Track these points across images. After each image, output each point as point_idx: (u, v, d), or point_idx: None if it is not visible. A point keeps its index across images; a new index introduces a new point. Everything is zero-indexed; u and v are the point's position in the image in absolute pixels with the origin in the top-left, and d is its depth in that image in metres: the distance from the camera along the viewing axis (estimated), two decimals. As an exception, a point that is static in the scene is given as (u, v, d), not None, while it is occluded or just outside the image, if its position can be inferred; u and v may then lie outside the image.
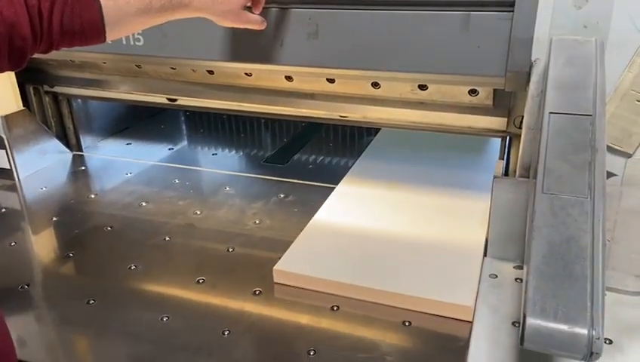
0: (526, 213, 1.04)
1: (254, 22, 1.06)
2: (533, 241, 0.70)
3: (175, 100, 1.61)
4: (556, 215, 0.72)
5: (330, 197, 1.38)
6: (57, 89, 1.69)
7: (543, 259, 0.68)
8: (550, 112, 0.83)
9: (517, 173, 1.12)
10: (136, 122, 2.03)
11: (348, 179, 1.49)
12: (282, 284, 1.08)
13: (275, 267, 1.10)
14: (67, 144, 1.77)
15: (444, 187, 1.42)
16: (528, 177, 1.09)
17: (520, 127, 1.21)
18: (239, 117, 2.03)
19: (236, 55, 1.23)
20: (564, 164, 0.77)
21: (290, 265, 1.10)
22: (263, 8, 1.15)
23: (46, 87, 1.69)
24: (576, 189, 0.74)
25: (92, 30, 0.84)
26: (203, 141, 1.94)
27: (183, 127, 2.07)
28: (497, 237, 1.12)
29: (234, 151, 1.85)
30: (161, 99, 1.61)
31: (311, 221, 1.27)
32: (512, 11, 0.99)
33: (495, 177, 1.10)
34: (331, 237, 1.21)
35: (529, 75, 1.03)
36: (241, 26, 1.05)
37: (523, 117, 1.11)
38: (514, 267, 1.11)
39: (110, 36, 0.87)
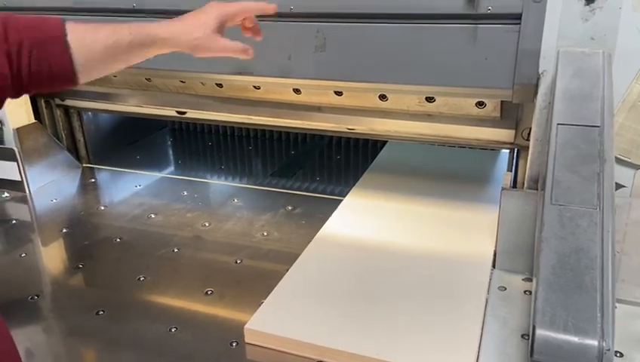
0: (534, 225, 1.04)
1: (232, 49, 0.94)
2: (542, 252, 0.69)
3: (184, 113, 1.63)
4: (565, 226, 0.71)
5: (336, 212, 1.38)
6: (68, 102, 1.71)
7: (552, 270, 0.67)
8: (558, 124, 0.83)
9: (525, 184, 1.11)
10: (146, 135, 2.05)
11: (355, 192, 1.49)
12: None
13: (246, 326, 0.96)
14: (77, 156, 1.79)
15: (452, 199, 1.41)
16: (537, 189, 1.09)
17: (528, 139, 1.21)
18: (247, 129, 2.05)
19: (245, 68, 1.25)
20: (572, 175, 0.77)
21: (264, 324, 0.95)
22: (271, 21, 1.17)
23: (57, 101, 1.72)
24: (585, 200, 0.73)
25: (61, 71, 0.78)
26: (211, 153, 1.96)
27: (191, 140, 2.08)
28: (506, 249, 1.12)
29: (241, 164, 1.86)
30: (170, 112, 1.63)
31: (315, 237, 1.26)
32: (519, 24, 1.00)
33: (503, 189, 1.10)
34: (328, 267, 1.14)
35: (536, 86, 1.04)
36: (219, 54, 0.95)
37: (531, 129, 1.12)
38: (523, 279, 1.10)
39: (82, 77, 0.81)
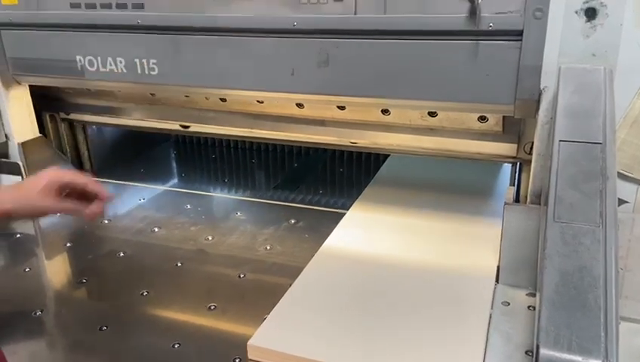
0: (538, 240, 1.04)
1: (68, 210, 1.07)
2: (545, 270, 0.69)
3: (188, 127, 1.64)
4: (568, 243, 0.71)
5: (338, 225, 1.38)
6: (73, 116, 1.73)
7: (555, 288, 0.67)
8: (560, 140, 0.83)
9: (528, 199, 1.12)
10: (150, 147, 2.06)
11: (357, 205, 1.49)
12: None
13: (249, 342, 0.95)
14: (81, 170, 1.80)
15: (454, 212, 1.41)
16: (539, 204, 1.09)
17: (530, 153, 1.21)
18: (250, 142, 2.05)
19: (248, 83, 1.26)
20: (575, 192, 0.77)
21: (267, 340, 0.94)
22: (275, 37, 1.18)
23: (62, 115, 1.73)
24: (587, 218, 0.74)
25: None
26: (214, 166, 1.96)
27: (195, 152, 2.09)
28: (509, 263, 1.12)
29: (245, 176, 1.87)
30: (174, 125, 1.64)
31: (318, 252, 1.26)
32: (521, 40, 1.01)
33: (506, 204, 1.10)
34: (331, 282, 1.13)
35: (538, 102, 1.04)
36: (58, 212, 1.09)
37: (533, 143, 1.12)
38: (526, 294, 1.09)
39: None
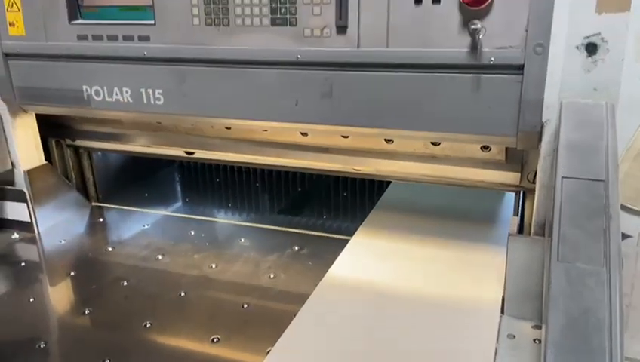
0: (542, 272, 1.03)
1: None
2: (550, 312, 0.69)
3: (192, 153, 1.65)
4: (573, 284, 0.71)
5: (342, 254, 1.38)
6: (79, 142, 1.74)
7: (561, 331, 0.67)
8: (563, 177, 0.83)
9: (532, 230, 1.12)
10: (154, 171, 2.07)
11: (361, 232, 1.49)
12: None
13: None
14: (87, 195, 1.81)
15: (458, 240, 1.41)
16: (543, 235, 1.09)
17: (533, 182, 1.21)
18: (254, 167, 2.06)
19: (253, 113, 1.27)
20: (578, 231, 0.77)
21: None
22: (279, 69, 1.19)
23: (68, 141, 1.75)
24: (591, 258, 0.74)
25: None
26: (219, 190, 1.97)
27: (199, 176, 2.10)
28: (514, 295, 1.11)
29: (249, 200, 1.87)
30: (179, 152, 1.65)
31: (321, 282, 1.25)
32: (522, 74, 1.01)
33: (510, 235, 1.10)
34: (334, 314, 1.13)
35: (540, 134, 1.05)
36: None
37: (536, 172, 1.12)
38: (532, 326, 1.09)
39: None
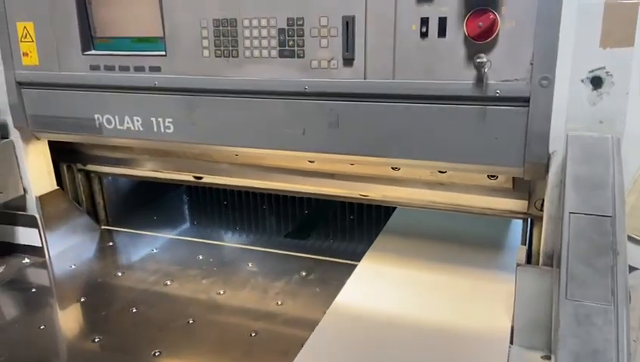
0: (551, 302, 1.03)
1: None
2: (558, 352, 0.69)
3: (201, 178, 1.66)
4: (581, 324, 0.71)
5: (349, 280, 1.38)
6: (90, 167, 1.76)
7: (569, 372, 0.67)
8: (571, 212, 0.84)
9: (540, 260, 1.12)
10: (162, 194, 2.09)
11: (368, 257, 1.50)
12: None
13: None
14: (96, 218, 1.83)
15: (465, 266, 1.41)
16: (552, 265, 1.09)
17: (541, 210, 1.21)
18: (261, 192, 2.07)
19: (261, 142, 1.28)
20: (586, 269, 0.77)
21: None
22: (287, 99, 1.21)
23: (79, 166, 1.77)
24: (599, 296, 0.74)
25: None
26: (226, 212, 1.98)
27: (207, 198, 2.12)
28: (523, 325, 1.11)
29: (256, 223, 1.88)
30: (187, 176, 1.67)
31: (329, 310, 1.25)
32: (528, 106, 1.02)
33: (518, 265, 1.10)
34: (342, 343, 1.14)
35: (547, 165, 1.05)
36: None
37: (543, 200, 1.12)
38: (542, 357, 1.08)
39: None
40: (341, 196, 1.52)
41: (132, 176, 1.77)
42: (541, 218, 1.17)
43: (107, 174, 1.79)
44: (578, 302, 0.74)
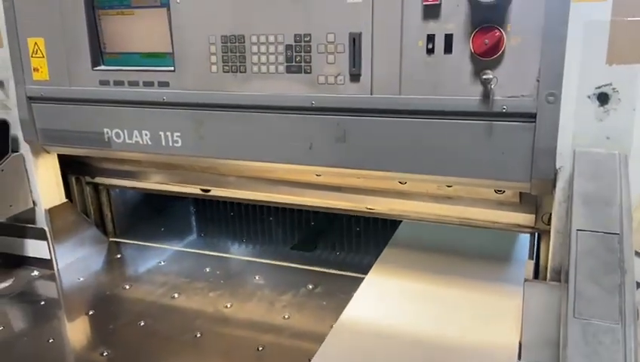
0: (559, 319, 1.03)
1: None
2: (566, 371, 0.69)
3: (208, 191, 1.68)
4: (588, 343, 0.71)
5: (356, 294, 1.38)
6: (98, 180, 1.78)
7: (577, 392, 0.67)
8: (578, 230, 0.84)
9: (548, 276, 1.11)
10: (169, 204, 2.10)
11: (375, 271, 1.49)
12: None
13: None
14: (104, 230, 1.84)
15: (472, 280, 1.40)
16: (559, 281, 1.08)
17: (548, 224, 1.21)
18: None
19: (268, 156, 1.29)
20: (594, 286, 0.77)
21: None
22: (294, 114, 1.22)
23: (88, 178, 1.79)
24: (607, 314, 0.74)
25: None
26: (233, 224, 1.99)
27: (214, 209, 2.13)
28: (531, 341, 1.10)
29: (262, 235, 1.89)
30: (195, 189, 1.68)
31: (335, 325, 1.25)
32: (534, 122, 1.03)
33: (526, 281, 1.09)
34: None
35: (554, 180, 1.05)
36: None
37: (551, 214, 1.12)
38: (549, 373, 1.08)
39: None
40: (347, 209, 1.53)
41: (140, 188, 1.78)
42: (548, 232, 1.17)
43: (115, 186, 1.81)
44: (586, 320, 0.74)
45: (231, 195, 1.65)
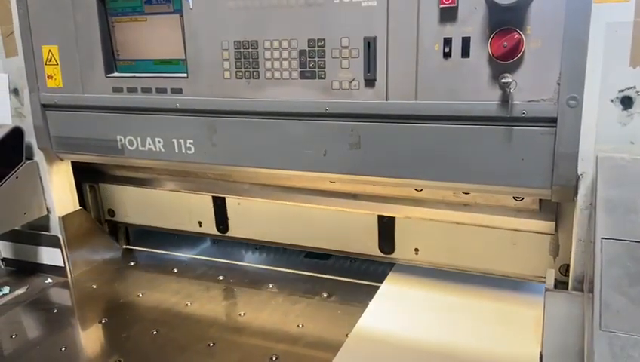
0: (582, 328, 0.99)
1: None
2: (594, 387, 0.66)
3: (226, 231, 1.68)
4: (616, 356, 0.68)
5: (371, 303, 1.36)
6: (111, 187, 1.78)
7: (606, 408, 0.64)
8: (602, 238, 0.81)
9: (570, 285, 1.08)
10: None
11: (390, 279, 1.47)
12: None
13: None
14: (117, 238, 1.84)
15: (490, 287, 1.38)
16: (582, 290, 1.05)
17: (566, 275, 1.18)
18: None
19: (282, 163, 1.28)
20: (620, 297, 0.74)
21: None
22: (308, 120, 1.21)
23: (101, 185, 1.79)
24: (635, 327, 0.70)
25: None
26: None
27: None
28: (553, 352, 1.06)
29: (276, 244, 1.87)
30: (208, 197, 1.67)
31: (350, 335, 1.23)
32: (555, 127, 1.00)
33: (547, 290, 1.06)
34: None
35: (576, 187, 1.02)
36: None
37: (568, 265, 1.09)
38: (572, 386, 1.04)
39: None
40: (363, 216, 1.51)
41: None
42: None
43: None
44: (613, 333, 0.71)
45: (244, 202, 1.64)
